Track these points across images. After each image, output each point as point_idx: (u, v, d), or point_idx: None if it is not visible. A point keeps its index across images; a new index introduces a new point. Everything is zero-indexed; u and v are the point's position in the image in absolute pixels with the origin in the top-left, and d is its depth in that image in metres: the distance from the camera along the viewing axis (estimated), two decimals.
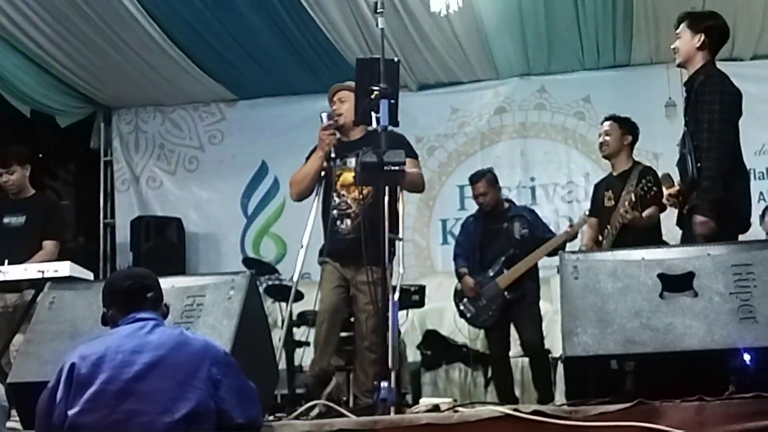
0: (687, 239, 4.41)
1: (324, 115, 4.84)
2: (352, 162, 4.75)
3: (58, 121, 8.29)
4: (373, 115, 4.15)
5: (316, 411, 3.87)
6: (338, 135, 4.84)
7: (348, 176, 4.78)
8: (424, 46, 7.33)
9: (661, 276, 3.48)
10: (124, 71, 7.69)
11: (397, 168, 4.06)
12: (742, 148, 7.67)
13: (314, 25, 6.99)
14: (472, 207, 6.44)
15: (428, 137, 8.21)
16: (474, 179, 6.22)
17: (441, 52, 7.49)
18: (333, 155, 4.80)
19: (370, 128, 4.75)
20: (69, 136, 8.67)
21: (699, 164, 4.33)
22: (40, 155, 9.09)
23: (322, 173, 4.87)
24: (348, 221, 4.76)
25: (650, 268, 3.51)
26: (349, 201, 4.79)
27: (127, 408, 2.80)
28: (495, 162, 7.12)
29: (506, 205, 6.30)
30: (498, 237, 6.10)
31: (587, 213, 5.82)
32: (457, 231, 6.90)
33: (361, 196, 4.70)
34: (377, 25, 4.35)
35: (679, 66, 4.68)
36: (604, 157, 5.67)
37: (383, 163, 4.04)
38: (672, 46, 4.66)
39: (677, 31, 4.61)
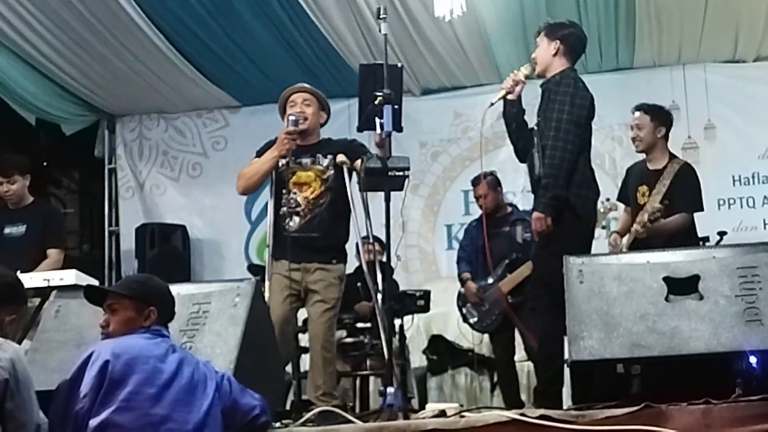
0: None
1: (291, 119, 4.73)
2: (307, 162, 4.75)
3: (64, 129, 8.30)
4: (377, 120, 4.16)
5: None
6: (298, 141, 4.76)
7: (302, 175, 4.74)
8: (426, 50, 7.34)
9: (666, 279, 3.48)
10: (127, 79, 7.70)
11: (401, 173, 4.07)
12: (745, 152, 7.62)
13: (317, 31, 6.99)
14: (477, 212, 6.42)
15: (432, 142, 8.22)
16: (475, 182, 6.24)
17: (444, 56, 7.49)
18: (286, 159, 4.74)
19: (324, 136, 4.83)
20: (73, 144, 8.68)
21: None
22: (45, 163, 9.12)
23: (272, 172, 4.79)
24: (297, 219, 4.71)
25: (655, 272, 3.52)
26: (299, 199, 4.74)
27: (159, 413, 2.90)
28: (499, 166, 7.09)
29: (509, 209, 6.29)
30: (500, 241, 6.07)
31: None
32: (461, 236, 6.89)
33: (312, 196, 4.71)
34: (380, 31, 4.35)
35: (538, 76, 4.67)
36: (639, 152, 5.42)
37: (387, 169, 4.05)
38: (532, 56, 4.71)
39: (537, 40, 4.67)
